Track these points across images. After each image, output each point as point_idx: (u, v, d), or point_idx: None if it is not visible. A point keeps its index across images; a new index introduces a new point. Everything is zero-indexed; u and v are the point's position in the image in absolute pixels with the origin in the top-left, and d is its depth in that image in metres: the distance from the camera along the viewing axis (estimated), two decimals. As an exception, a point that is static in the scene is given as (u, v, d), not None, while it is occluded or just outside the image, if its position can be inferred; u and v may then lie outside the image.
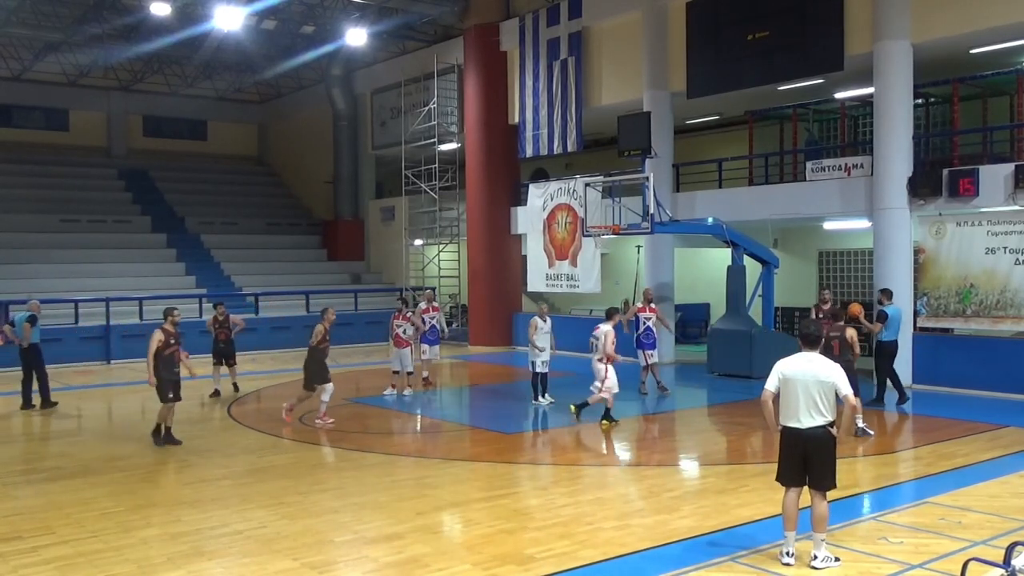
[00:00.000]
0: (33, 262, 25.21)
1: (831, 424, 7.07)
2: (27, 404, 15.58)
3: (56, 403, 15.82)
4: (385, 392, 16.26)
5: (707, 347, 18.99)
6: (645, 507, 9.03)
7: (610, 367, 13.05)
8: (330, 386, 13.51)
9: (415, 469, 10.76)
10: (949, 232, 16.08)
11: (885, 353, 14.51)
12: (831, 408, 7.06)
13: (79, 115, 33.79)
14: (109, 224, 28.77)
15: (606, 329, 13.14)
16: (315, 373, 13.46)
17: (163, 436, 12.20)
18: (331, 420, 13.47)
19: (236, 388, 16.87)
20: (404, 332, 16.09)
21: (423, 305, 17.68)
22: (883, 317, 14.20)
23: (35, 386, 15.57)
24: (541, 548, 7.62)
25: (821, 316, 15.03)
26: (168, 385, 12.09)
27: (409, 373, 16.34)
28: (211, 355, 16.87)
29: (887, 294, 14.78)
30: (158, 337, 11.99)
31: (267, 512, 8.83)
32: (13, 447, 12.67)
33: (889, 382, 14.46)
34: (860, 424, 11.88)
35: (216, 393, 16.42)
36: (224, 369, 16.85)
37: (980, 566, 6.29)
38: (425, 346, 17.26)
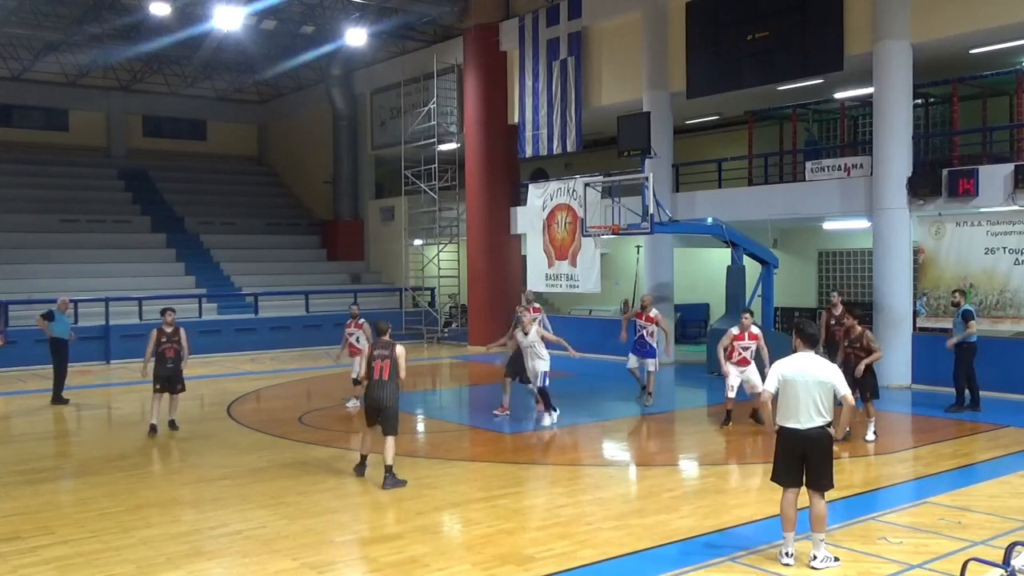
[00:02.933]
0: (33, 262, 25.22)
1: (829, 424, 7.08)
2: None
3: (67, 401, 15.97)
4: (348, 403, 14.96)
5: (707, 347, 18.98)
6: (645, 507, 9.03)
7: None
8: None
9: (415, 469, 10.75)
10: (949, 232, 16.08)
11: (970, 354, 14.00)
12: (830, 409, 7.08)
13: (79, 115, 33.79)
14: (109, 224, 28.78)
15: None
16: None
17: (389, 477, 9.74)
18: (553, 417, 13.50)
19: (174, 425, 13.20)
20: (357, 340, 14.71)
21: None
22: (970, 315, 13.90)
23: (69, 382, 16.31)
24: (541, 548, 7.62)
25: (833, 322, 14.36)
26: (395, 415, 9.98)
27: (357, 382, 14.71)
28: (152, 380, 13.11)
29: (964, 294, 14.60)
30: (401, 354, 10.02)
31: (267, 512, 8.84)
32: (13, 447, 12.66)
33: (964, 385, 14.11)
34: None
35: (153, 430, 12.86)
36: (164, 399, 13.23)
37: (980, 566, 6.29)
38: None
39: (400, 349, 9.87)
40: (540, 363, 13.17)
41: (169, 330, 13.26)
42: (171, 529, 8.30)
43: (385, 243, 30.70)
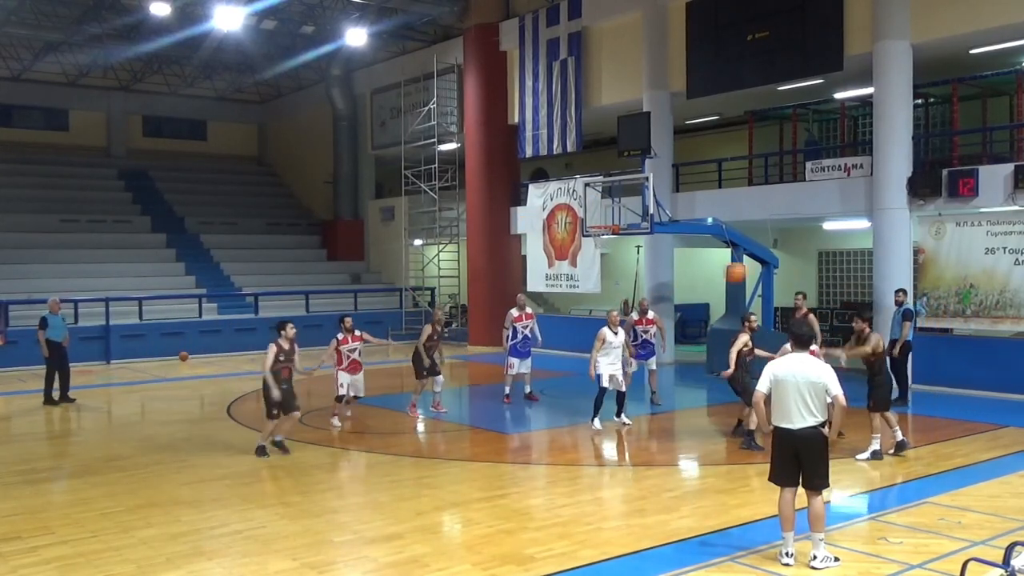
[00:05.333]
0: (33, 262, 25.22)
1: (823, 424, 7.09)
2: (47, 399, 15.96)
3: (55, 402, 15.92)
4: (336, 423, 13.43)
5: (706, 347, 18.97)
6: (645, 507, 9.03)
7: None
8: (440, 378, 14.39)
9: (415, 469, 10.76)
10: (949, 232, 16.08)
11: (905, 351, 14.44)
12: (822, 409, 7.08)
13: (79, 115, 33.80)
14: (109, 224, 28.79)
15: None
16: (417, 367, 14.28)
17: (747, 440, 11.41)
18: (445, 409, 14.45)
19: (283, 447, 11.49)
20: (360, 355, 13.62)
21: (514, 312, 15.43)
22: (910, 315, 14.10)
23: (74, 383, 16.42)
24: (541, 548, 7.62)
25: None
26: None
27: (356, 398, 13.75)
28: (266, 407, 11.31)
29: (906, 293, 14.74)
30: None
31: (267, 512, 8.84)
32: (13, 447, 12.67)
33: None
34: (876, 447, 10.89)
35: (280, 445, 11.52)
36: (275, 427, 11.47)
37: (980, 566, 6.29)
38: (515, 360, 15.22)
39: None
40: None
41: (287, 346, 11.44)
42: (171, 529, 8.30)
43: (385, 243, 30.70)
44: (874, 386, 11.03)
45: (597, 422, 12.85)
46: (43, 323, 16.01)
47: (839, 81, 18.51)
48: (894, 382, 13.51)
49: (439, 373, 14.26)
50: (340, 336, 13.49)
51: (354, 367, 13.51)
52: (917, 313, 16.47)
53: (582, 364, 16.66)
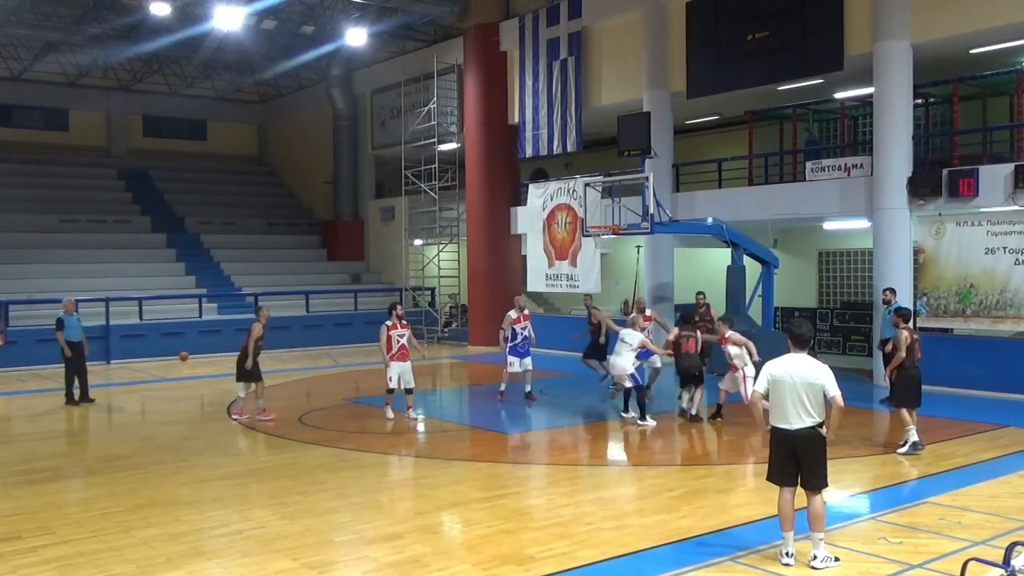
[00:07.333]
0: (33, 262, 25.23)
1: (820, 424, 7.08)
2: (68, 399, 15.91)
3: (78, 403, 15.89)
4: (389, 414, 13.95)
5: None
6: (645, 507, 9.03)
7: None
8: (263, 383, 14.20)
9: (415, 469, 10.76)
10: (949, 232, 16.08)
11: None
12: (820, 409, 7.07)
13: (79, 115, 33.81)
14: (109, 224, 28.81)
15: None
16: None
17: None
18: (272, 415, 13.98)
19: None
20: (409, 342, 13.97)
21: (513, 314, 15.62)
22: (906, 313, 14.22)
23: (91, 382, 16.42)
24: (541, 548, 7.62)
25: (698, 319, 15.17)
26: None
27: (410, 391, 13.94)
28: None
29: (894, 292, 14.81)
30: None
31: (267, 512, 8.84)
32: (13, 447, 12.66)
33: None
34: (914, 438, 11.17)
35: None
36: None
37: (980, 566, 6.29)
38: (514, 359, 15.51)
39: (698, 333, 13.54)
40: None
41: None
42: (171, 529, 8.30)
43: (385, 243, 30.71)
44: (897, 380, 11.40)
45: (650, 419, 13.22)
46: (60, 324, 15.94)
47: (839, 81, 18.51)
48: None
49: (261, 378, 14.11)
50: (389, 323, 13.89)
51: (403, 354, 13.80)
52: (917, 313, 16.49)
53: (581, 364, 16.70)
